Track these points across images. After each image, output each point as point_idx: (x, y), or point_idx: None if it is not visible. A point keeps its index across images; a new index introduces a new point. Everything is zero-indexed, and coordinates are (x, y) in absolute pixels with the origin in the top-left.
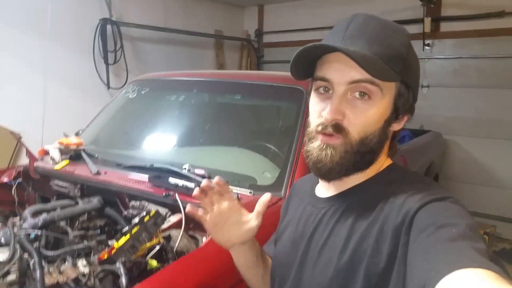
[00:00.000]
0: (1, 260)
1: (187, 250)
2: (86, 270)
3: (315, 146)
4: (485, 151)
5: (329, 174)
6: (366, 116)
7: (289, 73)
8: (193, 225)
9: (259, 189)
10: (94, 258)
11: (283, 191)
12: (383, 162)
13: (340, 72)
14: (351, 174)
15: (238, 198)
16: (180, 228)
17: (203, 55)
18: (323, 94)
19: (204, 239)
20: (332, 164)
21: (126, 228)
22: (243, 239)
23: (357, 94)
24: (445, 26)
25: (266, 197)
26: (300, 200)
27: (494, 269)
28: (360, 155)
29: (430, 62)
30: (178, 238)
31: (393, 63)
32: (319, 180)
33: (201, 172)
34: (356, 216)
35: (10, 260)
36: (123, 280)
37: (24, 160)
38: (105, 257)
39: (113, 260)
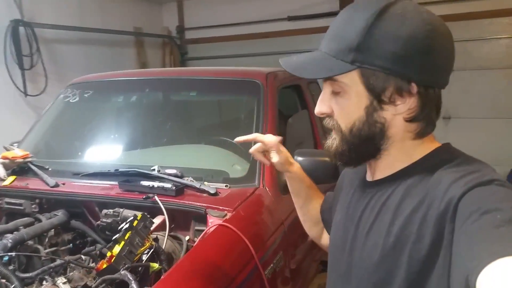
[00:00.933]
0: None
1: (173, 251)
2: (67, 287)
3: (329, 139)
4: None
5: (344, 162)
6: (341, 108)
7: (242, 68)
8: (174, 225)
9: (233, 181)
10: (73, 274)
11: (256, 181)
12: (426, 144)
13: None
14: (363, 162)
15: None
16: (164, 229)
17: (124, 54)
18: None
19: (187, 238)
20: (336, 150)
21: (118, 235)
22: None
23: (333, 91)
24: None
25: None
26: (352, 183)
27: None
28: (358, 144)
29: None
30: (165, 239)
31: (344, 54)
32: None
33: (173, 171)
34: (400, 201)
35: None
36: (134, 286)
37: None
38: (104, 266)
39: (115, 268)
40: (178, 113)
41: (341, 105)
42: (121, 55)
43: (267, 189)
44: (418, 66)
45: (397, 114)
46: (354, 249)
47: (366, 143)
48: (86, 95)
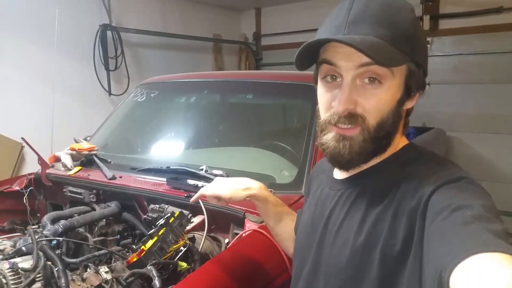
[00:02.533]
0: (26, 268)
1: (210, 252)
2: (108, 276)
3: (329, 137)
4: (488, 147)
5: (348, 165)
6: (379, 100)
7: (300, 72)
8: (215, 226)
9: (278, 187)
10: (116, 264)
11: (303, 189)
12: (398, 142)
13: (347, 56)
14: (369, 160)
15: None
16: (203, 229)
17: (202, 59)
18: (331, 82)
19: (226, 241)
20: (351, 155)
21: (153, 230)
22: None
23: (366, 80)
24: (443, 24)
25: None
26: (319, 182)
27: (510, 251)
28: (378, 140)
29: (430, 59)
30: (202, 240)
31: (401, 44)
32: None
33: (219, 172)
34: (371, 198)
35: (34, 268)
36: (156, 282)
37: (28, 169)
38: (134, 259)
39: (143, 262)
40: (233, 115)
41: (375, 95)
42: (199, 60)
43: None
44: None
45: (406, 108)
46: (322, 247)
47: (387, 137)
48: (152, 95)
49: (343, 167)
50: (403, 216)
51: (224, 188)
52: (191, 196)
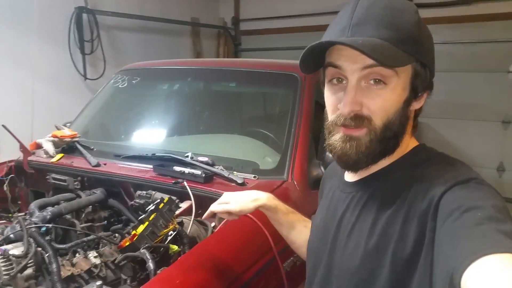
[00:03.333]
0: (17, 255)
1: (198, 236)
2: (97, 261)
3: (337, 138)
4: (455, 132)
5: (356, 165)
6: (384, 101)
7: (283, 60)
8: (201, 211)
9: (262, 173)
10: (104, 249)
11: (285, 174)
12: (407, 143)
13: (352, 58)
14: (377, 162)
15: (244, 183)
16: (190, 214)
17: (180, 43)
18: (337, 85)
19: (213, 224)
20: (358, 156)
21: (143, 216)
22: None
23: (371, 81)
24: None
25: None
26: (331, 184)
27: None
28: (385, 141)
29: None
30: (190, 224)
31: (405, 45)
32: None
33: (205, 159)
34: (382, 201)
35: (26, 254)
36: (151, 264)
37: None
38: (127, 244)
39: (136, 246)
40: (217, 103)
41: (381, 96)
42: (177, 44)
43: (295, 183)
44: (433, 64)
45: (413, 109)
46: (334, 251)
47: (395, 138)
48: (133, 81)
49: (351, 168)
50: (414, 219)
51: (233, 202)
52: (178, 182)
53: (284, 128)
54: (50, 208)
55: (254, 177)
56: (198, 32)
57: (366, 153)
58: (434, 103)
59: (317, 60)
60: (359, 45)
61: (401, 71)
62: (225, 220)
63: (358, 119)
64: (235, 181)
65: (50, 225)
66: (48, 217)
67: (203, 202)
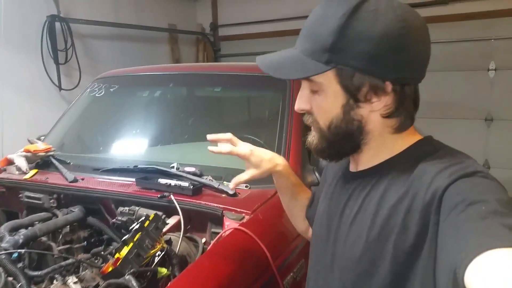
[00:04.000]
0: None
1: (188, 254)
2: (77, 287)
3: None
4: (438, 131)
5: (321, 155)
6: (319, 107)
7: None
8: (190, 226)
9: (253, 182)
10: (85, 273)
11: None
12: (409, 136)
13: None
14: (343, 157)
15: (236, 194)
16: (179, 230)
17: (158, 50)
18: None
19: (203, 240)
20: (316, 147)
21: (127, 236)
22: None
23: (312, 90)
24: None
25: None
26: (335, 173)
27: None
28: (338, 140)
29: None
30: (179, 242)
31: (318, 55)
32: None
33: (192, 169)
34: (384, 192)
35: None
36: None
37: None
38: (110, 269)
39: (120, 272)
40: (202, 109)
41: (319, 104)
42: (155, 52)
43: None
44: (392, 64)
45: (373, 111)
46: (337, 240)
47: (345, 139)
48: (111, 89)
49: (326, 158)
50: (416, 211)
51: (255, 155)
52: (164, 196)
53: (275, 134)
54: (23, 231)
55: (246, 186)
56: (176, 38)
57: (320, 149)
58: None
59: None
60: (264, 65)
61: (324, 79)
62: (218, 236)
63: (310, 118)
64: (226, 192)
65: (23, 250)
66: (21, 241)
67: (193, 216)
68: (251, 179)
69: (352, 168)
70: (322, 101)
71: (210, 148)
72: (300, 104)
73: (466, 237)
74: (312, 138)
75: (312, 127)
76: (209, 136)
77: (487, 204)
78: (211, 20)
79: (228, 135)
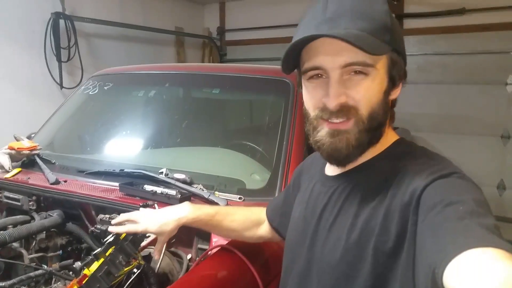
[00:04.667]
0: None
1: (170, 271)
2: None
3: (323, 134)
4: (451, 147)
5: (346, 159)
6: (367, 90)
7: (271, 66)
8: (176, 240)
9: (249, 193)
10: (57, 286)
11: (276, 195)
12: (387, 135)
13: (331, 57)
14: (365, 152)
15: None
16: None
17: (164, 53)
18: (317, 79)
19: (189, 256)
20: (348, 149)
21: (99, 250)
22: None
23: (352, 72)
24: (408, 23)
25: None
26: (311, 177)
27: (503, 246)
28: (372, 131)
29: None
30: (160, 258)
31: (381, 34)
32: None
33: (181, 176)
34: (363, 194)
35: None
36: None
37: None
38: None
39: None
40: (198, 111)
41: (363, 86)
42: (161, 54)
43: None
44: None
45: (391, 99)
46: (314, 245)
47: (380, 127)
48: (105, 87)
49: (341, 163)
50: (395, 212)
51: (148, 222)
52: (148, 205)
53: (275, 141)
54: None
55: (240, 198)
56: (183, 41)
57: (356, 145)
58: (428, 116)
59: (295, 58)
60: (343, 35)
61: (379, 62)
62: (204, 253)
63: (345, 110)
64: (216, 203)
65: None
66: None
67: (179, 229)
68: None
69: (330, 172)
70: (370, 84)
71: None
72: (341, 91)
73: (444, 238)
74: (340, 136)
75: (335, 126)
76: (112, 227)
77: (464, 204)
78: (218, 25)
79: (124, 217)
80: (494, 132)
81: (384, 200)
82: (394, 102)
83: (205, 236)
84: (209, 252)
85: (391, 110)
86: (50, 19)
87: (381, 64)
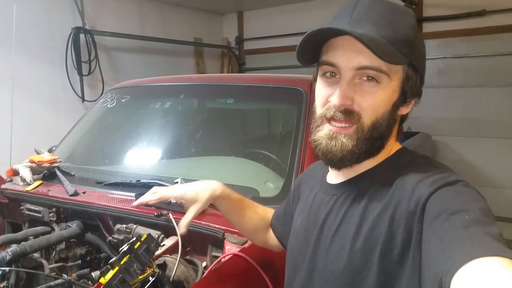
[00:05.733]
0: None
1: (185, 278)
2: None
3: (322, 134)
4: (473, 151)
5: (340, 163)
6: (375, 99)
7: (284, 75)
8: (190, 248)
9: (263, 201)
10: None
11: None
12: (392, 146)
13: (347, 57)
14: (362, 161)
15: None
16: (176, 252)
17: (183, 64)
18: (330, 78)
19: (204, 264)
20: (343, 153)
21: (114, 259)
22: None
23: (364, 78)
24: (427, 27)
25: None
26: (311, 187)
27: (510, 255)
28: (371, 141)
29: None
30: (175, 266)
31: (401, 45)
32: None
33: None
34: (367, 202)
35: None
36: None
37: None
38: None
39: None
40: (213, 121)
41: (371, 94)
42: (180, 65)
43: None
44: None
45: (401, 114)
46: (317, 253)
47: (381, 139)
48: (123, 100)
49: (335, 165)
50: (401, 220)
51: (188, 191)
52: (162, 215)
53: (288, 149)
54: (12, 247)
55: None
56: (202, 52)
57: (351, 152)
58: (449, 120)
59: (314, 52)
60: (360, 35)
61: (393, 72)
62: (217, 259)
63: (348, 113)
64: None
65: (7, 269)
66: (8, 258)
67: (193, 237)
68: (195, 216)
69: (332, 180)
70: (380, 94)
71: (135, 203)
72: (346, 99)
73: (451, 246)
74: (337, 140)
75: (336, 129)
76: (135, 204)
77: (470, 213)
78: (237, 34)
79: (153, 189)
80: None
81: (389, 208)
82: (404, 118)
83: (219, 244)
84: (222, 259)
85: (400, 125)
86: (70, 34)
87: (396, 75)
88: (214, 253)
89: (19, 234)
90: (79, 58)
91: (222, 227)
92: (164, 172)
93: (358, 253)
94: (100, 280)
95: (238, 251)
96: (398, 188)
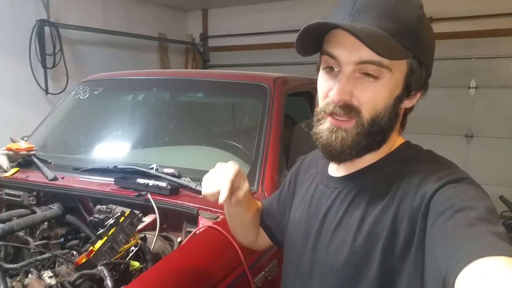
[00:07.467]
0: None
1: (162, 252)
2: (52, 281)
3: (324, 128)
4: (423, 146)
5: (340, 156)
6: (375, 94)
7: (250, 72)
8: (167, 225)
9: None
10: (60, 268)
11: (255, 186)
12: (395, 140)
13: (348, 50)
14: (363, 156)
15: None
16: (154, 229)
17: (147, 59)
18: (330, 73)
19: (179, 240)
20: (343, 147)
21: (102, 230)
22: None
23: (364, 73)
24: None
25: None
26: (311, 178)
27: None
28: (372, 135)
29: None
30: (154, 239)
31: (404, 39)
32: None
33: (170, 171)
34: (370, 197)
35: None
36: (109, 282)
37: None
38: (83, 260)
39: (93, 263)
40: (183, 114)
41: (372, 89)
42: (144, 60)
43: (266, 194)
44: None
45: (404, 107)
46: (317, 246)
47: (382, 133)
48: (95, 92)
49: (335, 158)
50: (404, 216)
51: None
52: (142, 195)
53: (254, 139)
54: (0, 225)
55: None
56: (166, 48)
57: (351, 146)
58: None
59: (315, 43)
60: (357, 31)
61: (396, 66)
62: (192, 232)
63: (347, 108)
64: None
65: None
66: None
67: (169, 215)
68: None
69: (334, 173)
70: (380, 89)
71: (221, 200)
72: (345, 94)
73: (455, 244)
74: (337, 134)
75: (336, 122)
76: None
77: (475, 211)
78: (201, 31)
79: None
80: (459, 131)
81: (392, 204)
82: (408, 111)
83: (193, 221)
84: (197, 231)
85: (404, 119)
86: (35, 26)
87: (399, 69)
88: (189, 229)
89: (3, 215)
90: (44, 51)
91: (197, 205)
92: (139, 159)
93: (360, 248)
94: (91, 248)
95: (211, 224)
96: (403, 184)
